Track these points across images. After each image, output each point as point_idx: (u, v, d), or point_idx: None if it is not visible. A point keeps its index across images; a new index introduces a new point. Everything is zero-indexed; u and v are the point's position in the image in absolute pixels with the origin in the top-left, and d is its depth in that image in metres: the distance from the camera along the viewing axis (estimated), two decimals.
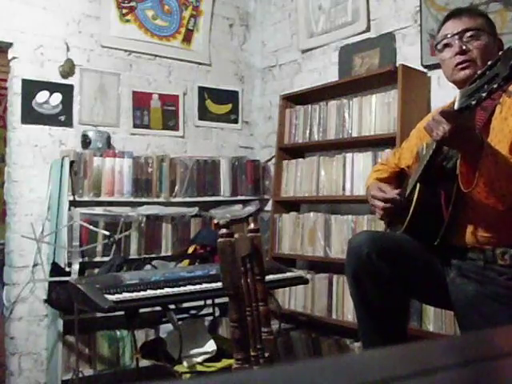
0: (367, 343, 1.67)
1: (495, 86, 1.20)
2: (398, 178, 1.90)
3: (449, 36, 1.61)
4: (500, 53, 1.22)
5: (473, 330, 1.50)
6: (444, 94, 2.58)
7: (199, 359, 2.15)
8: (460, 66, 1.58)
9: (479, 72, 1.26)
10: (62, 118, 3.06)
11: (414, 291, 1.69)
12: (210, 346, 2.23)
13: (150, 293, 2.00)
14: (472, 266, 1.53)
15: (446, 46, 1.62)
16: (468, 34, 1.58)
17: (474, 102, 1.26)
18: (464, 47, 1.57)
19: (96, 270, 2.87)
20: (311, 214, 3.07)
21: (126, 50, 3.30)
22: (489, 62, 1.24)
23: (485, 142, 1.36)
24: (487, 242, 1.50)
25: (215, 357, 2.19)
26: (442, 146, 1.46)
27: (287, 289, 3.08)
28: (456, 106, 1.32)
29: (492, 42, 1.60)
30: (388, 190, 1.76)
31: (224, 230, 1.55)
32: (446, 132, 1.33)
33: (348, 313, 2.75)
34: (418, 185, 1.60)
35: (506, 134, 1.46)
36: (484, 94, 1.23)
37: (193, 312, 2.50)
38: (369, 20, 3.03)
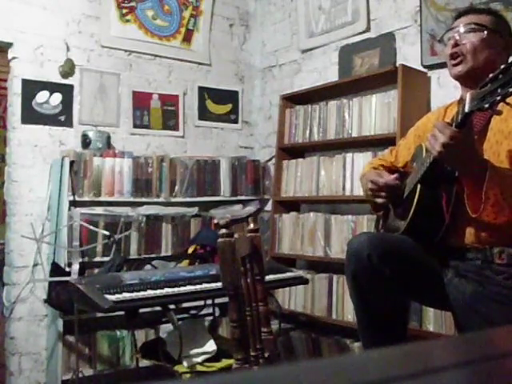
0: (367, 345, 1.67)
1: (511, 89, 1.19)
2: (392, 173, 1.89)
3: (452, 30, 1.64)
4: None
5: (471, 330, 1.50)
6: (444, 93, 2.58)
7: (199, 359, 2.15)
8: (453, 62, 1.61)
9: (491, 75, 1.25)
10: (62, 118, 3.06)
11: (414, 293, 1.69)
12: (210, 346, 2.23)
13: (150, 293, 2.00)
14: (470, 266, 1.53)
15: (449, 40, 1.65)
16: (468, 27, 1.60)
17: (486, 106, 1.25)
18: (458, 38, 1.60)
19: (96, 270, 2.87)
20: (311, 214, 3.07)
21: (126, 50, 3.30)
22: (501, 66, 1.23)
23: (488, 164, 1.35)
24: (486, 242, 1.50)
25: (215, 357, 2.19)
26: (441, 162, 1.44)
27: (287, 289, 3.08)
28: (467, 109, 1.30)
29: (495, 39, 1.59)
30: (386, 174, 1.75)
31: (224, 230, 1.55)
32: (442, 145, 1.33)
33: (348, 313, 2.75)
34: (419, 186, 1.60)
35: (505, 136, 1.46)
36: (498, 98, 1.22)
37: (193, 312, 2.50)
38: (369, 20, 3.03)
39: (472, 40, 1.58)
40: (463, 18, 1.64)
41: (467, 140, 1.34)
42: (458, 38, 1.60)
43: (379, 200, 1.77)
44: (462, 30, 1.60)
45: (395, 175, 1.74)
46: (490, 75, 1.26)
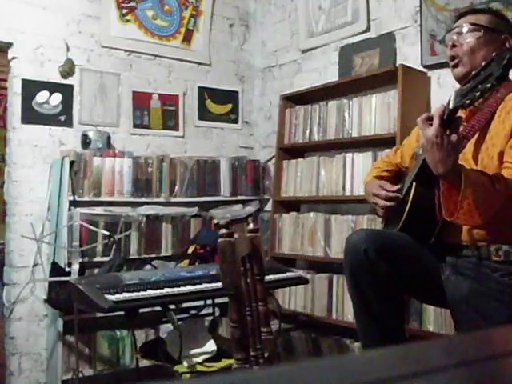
0: (365, 339, 1.68)
1: (488, 85, 1.24)
2: (396, 177, 1.90)
3: (450, 32, 1.66)
4: (493, 54, 1.25)
5: (468, 327, 1.51)
6: (444, 93, 2.58)
7: (199, 359, 2.15)
8: (451, 63, 1.64)
9: (473, 72, 1.30)
10: (62, 117, 3.06)
11: (411, 289, 1.70)
12: (210, 346, 2.23)
13: (150, 293, 2.00)
14: (467, 263, 1.54)
15: (449, 42, 1.67)
16: (464, 28, 1.62)
17: (468, 102, 1.29)
18: (455, 38, 1.63)
19: (96, 270, 2.87)
20: (311, 213, 3.07)
21: (126, 50, 3.30)
22: (483, 63, 1.27)
23: (463, 173, 1.35)
24: (482, 239, 1.51)
25: (215, 357, 2.19)
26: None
27: (287, 289, 3.08)
28: (451, 106, 1.34)
29: (493, 37, 1.60)
30: (388, 186, 1.77)
31: (224, 230, 1.55)
32: (426, 139, 1.37)
33: (348, 313, 2.75)
34: (414, 183, 1.61)
35: (500, 139, 1.47)
36: (478, 94, 1.26)
37: (193, 312, 2.50)
38: (369, 20, 3.03)
39: (468, 40, 1.60)
40: (462, 19, 1.66)
41: (449, 143, 1.35)
42: (455, 38, 1.63)
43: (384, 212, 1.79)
44: (458, 31, 1.63)
45: (396, 187, 1.75)
46: (473, 72, 1.30)
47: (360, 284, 1.58)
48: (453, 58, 1.63)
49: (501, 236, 1.48)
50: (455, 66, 1.63)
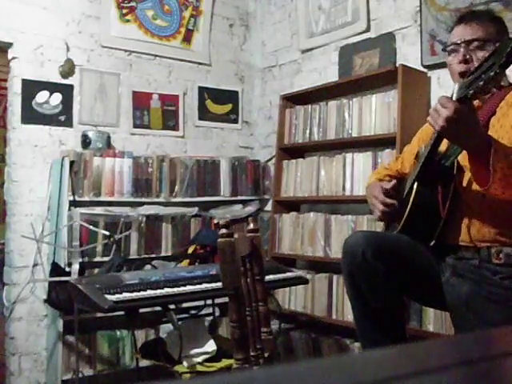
0: (365, 342, 1.67)
1: (492, 73, 1.23)
2: (398, 182, 1.89)
3: (457, 43, 1.61)
4: (497, 44, 1.25)
5: (467, 330, 1.50)
6: (444, 93, 2.58)
7: (199, 359, 2.15)
8: (460, 77, 1.58)
9: (476, 65, 1.29)
10: (62, 118, 3.06)
11: (410, 290, 1.69)
12: (210, 345, 2.23)
13: (150, 293, 2.00)
14: (467, 266, 1.53)
15: (453, 51, 1.62)
16: (475, 43, 1.57)
17: (471, 92, 1.28)
18: (468, 56, 1.57)
19: (96, 270, 2.87)
20: (311, 213, 3.07)
21: (126, 50, 3.30)
22: (486, 55, 1.27)
23: (492, 138, 1.35)
24: (482, 240, 1.50)
25: (215, 357, 2.19)
26: (443, 137, 1.44)
27: (287, 289, 3.08)
28: (454, 97, 1.33)
29: None
30: (388, 185, 1.76)
31: (224, 230, 1.55)
32: (445, 119, 1.31)
33: (348, 313, 2.75)
34: (416, 184, 1.60)
35: (507, 130, 1.46)
36: (481, 83, 1.26)
37: (193, 312, 2.50)
38: (369, 20, 3.03)
39: (480, 59, 1.53)
40: (467, 27, 1.61)
41: (470, 114, 1.34)
42: (467, 56, 1.57)
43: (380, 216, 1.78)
44: (470, 45, 1.58)
45: (391, 184, 1.74)
46: (476, 65, 1.30)
47: (358, 286, 1.57)
48: (464, 73, 1.55)
49: (502, 238, 1.48)
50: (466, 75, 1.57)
